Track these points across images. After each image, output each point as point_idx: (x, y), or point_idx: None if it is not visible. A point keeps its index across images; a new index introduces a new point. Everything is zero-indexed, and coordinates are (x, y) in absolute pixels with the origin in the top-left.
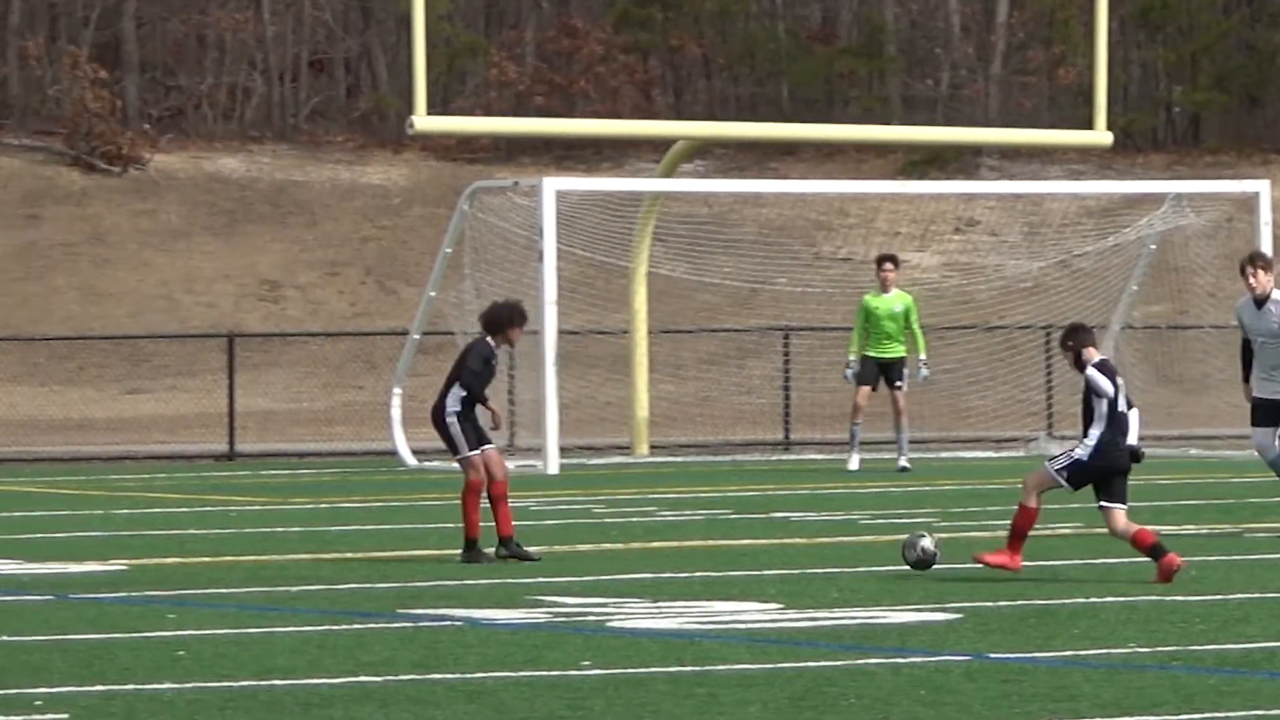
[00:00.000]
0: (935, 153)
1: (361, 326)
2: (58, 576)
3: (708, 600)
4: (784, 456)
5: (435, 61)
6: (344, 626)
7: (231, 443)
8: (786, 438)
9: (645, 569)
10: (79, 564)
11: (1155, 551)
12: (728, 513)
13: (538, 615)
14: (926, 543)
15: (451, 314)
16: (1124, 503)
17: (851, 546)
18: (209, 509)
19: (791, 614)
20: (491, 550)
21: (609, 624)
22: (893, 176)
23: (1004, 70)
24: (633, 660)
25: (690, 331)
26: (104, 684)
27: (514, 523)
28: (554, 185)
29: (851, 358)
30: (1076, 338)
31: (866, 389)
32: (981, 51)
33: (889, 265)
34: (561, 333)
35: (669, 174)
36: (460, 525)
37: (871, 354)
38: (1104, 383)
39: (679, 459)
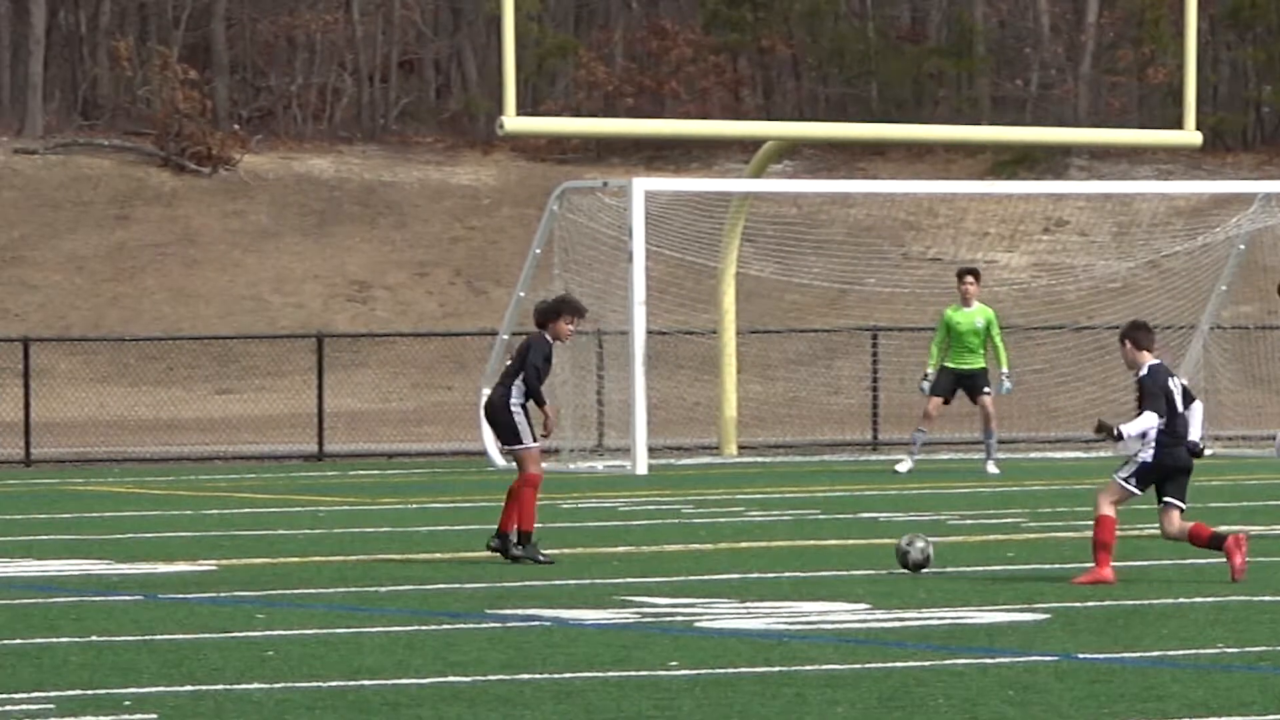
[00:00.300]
0: (1024, 153)
1: (451, 327)
2: (147, 576)
3: (796, 600)
4: (872, 457)
5: (525, 62)
6: (432, 627)
7: (320, 443)
8: (875, 438)
9: (733, 569)
10: (168, 564)
11: (1215, 540)
12: (816, 513)
13: (626, 615)
14: (918, 550)
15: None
16: (1183, 502)
17: (939, 547)
18: (298, 509)
19: (879, 614)
20: (550, 553)
21: (697, 624)
22: (982, 176)
23: (1093, 70)
24: (721, 660)
25: (779, 332)
26: (193, 684)
27: (602, 523)
28: (643, 186)
29: (930, 370)
30: (1134, 337)
31: (939, 400)
32: (1071, 51)
33: (970, 279)
34: (650, 333)
35: (758, 174)
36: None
37: (951, 365)
38: (1149, 422)
39: (767, 459)
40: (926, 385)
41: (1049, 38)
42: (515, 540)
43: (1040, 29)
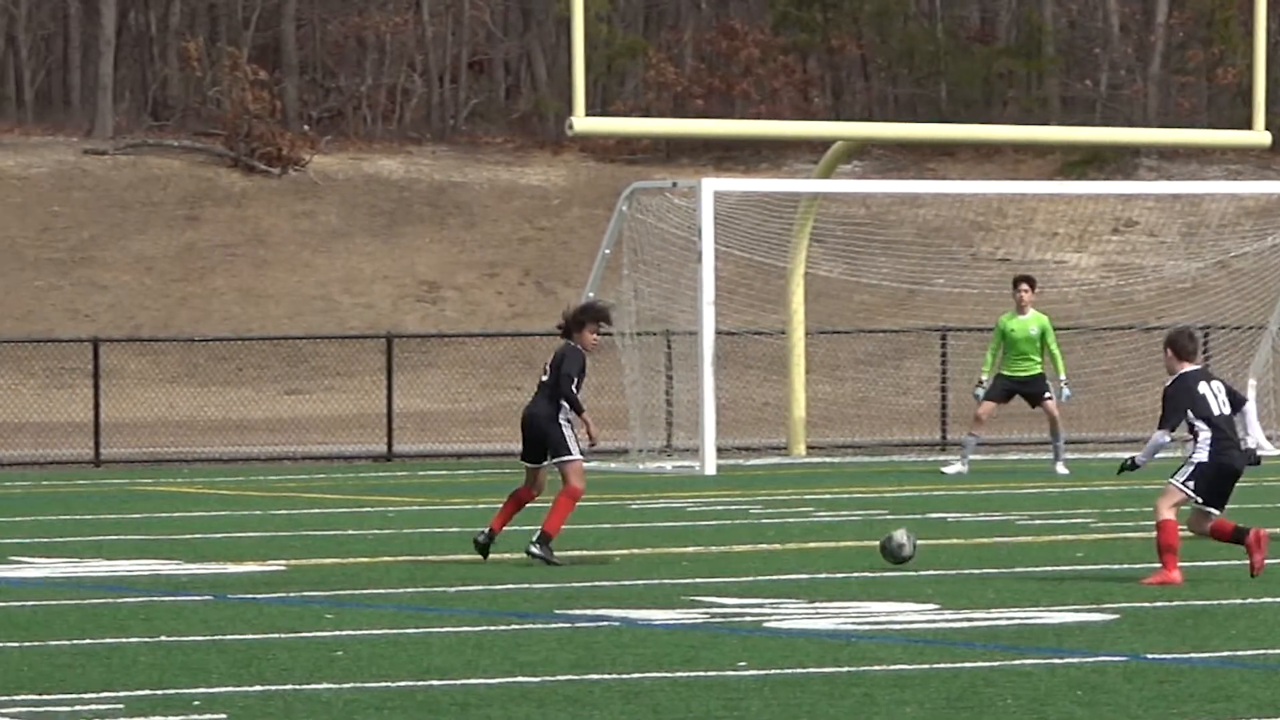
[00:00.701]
0: (1094, 153)
1: (520, 327)
2: (216, 577)
3: (864, 601)
4: (941, 457)
5: (594, 62)
6: (501, 627)
7: (390, 443)
8: (943, 438)
9: (802, 569)
10: (238, 564)
11: (1238, 535)
12: (884, 513)
13: (694, 615)
14: (903, 542)
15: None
16: (1221, 509)
17: (1008, 547)
18: (367, 509)
19: (948, 614)
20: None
21: (765, 624)
22: (1051, 177)
23: (1163, 70)
24: (789, 660)
25: (847, 332)
26: (262, 684)
27: (671, 523)
28: (712, 186)
29: (984, 377)
30: (1176, 344)
31: (990, 405)
32: (1140, 51)
33: (1025, 286)
34: (719, 333)
35: (827, 175)
36: (502, 518)
37: (1006, 373)
38: (1159, 441)
39: (836, 459)
40: (980, 393)
41: (1118, 38)
42: (535, 538)
43: (1110, 29)
